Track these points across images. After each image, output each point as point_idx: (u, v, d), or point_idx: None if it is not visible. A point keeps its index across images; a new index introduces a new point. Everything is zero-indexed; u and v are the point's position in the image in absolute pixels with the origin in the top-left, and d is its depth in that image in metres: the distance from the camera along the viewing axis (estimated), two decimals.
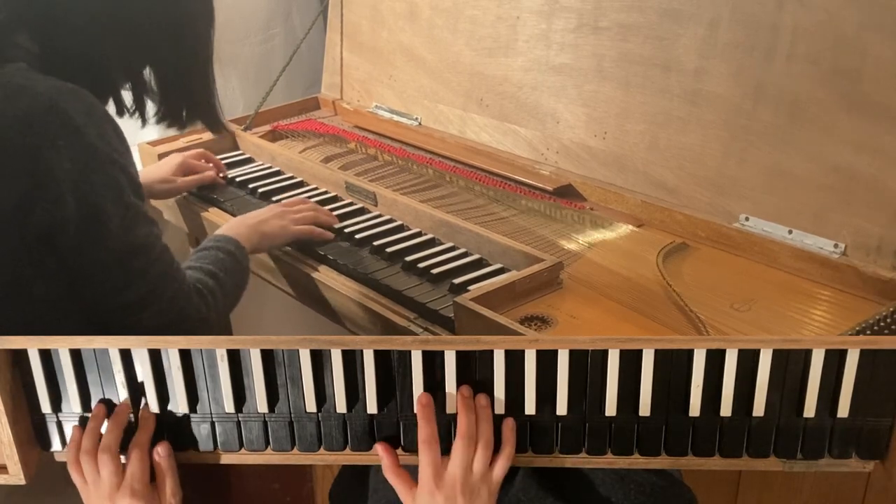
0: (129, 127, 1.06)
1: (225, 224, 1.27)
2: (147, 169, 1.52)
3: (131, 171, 0.97)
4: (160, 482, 0.85)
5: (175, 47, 1.04)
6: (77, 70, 0.95)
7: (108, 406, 0.86)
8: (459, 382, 0.81)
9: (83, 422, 0.86)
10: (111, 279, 0.96)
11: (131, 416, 0.85)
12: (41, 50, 0.95)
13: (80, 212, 0.91)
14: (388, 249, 1.25)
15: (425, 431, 0.80)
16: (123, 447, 0.84)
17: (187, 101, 1.09)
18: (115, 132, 0.96)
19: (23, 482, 0.86)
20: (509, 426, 0.82)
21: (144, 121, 1.07)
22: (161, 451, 0.85)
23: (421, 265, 1.20)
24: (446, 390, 0.81)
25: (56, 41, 0.96)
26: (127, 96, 1.04)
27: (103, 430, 0.85)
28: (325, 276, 1.24)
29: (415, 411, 0.82)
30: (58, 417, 0.86)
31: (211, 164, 1.55)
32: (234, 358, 0.82)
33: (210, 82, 1.10)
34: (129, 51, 1.01)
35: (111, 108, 1.03)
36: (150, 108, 1.06)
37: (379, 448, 0.83)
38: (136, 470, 0.83)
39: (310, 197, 1.44)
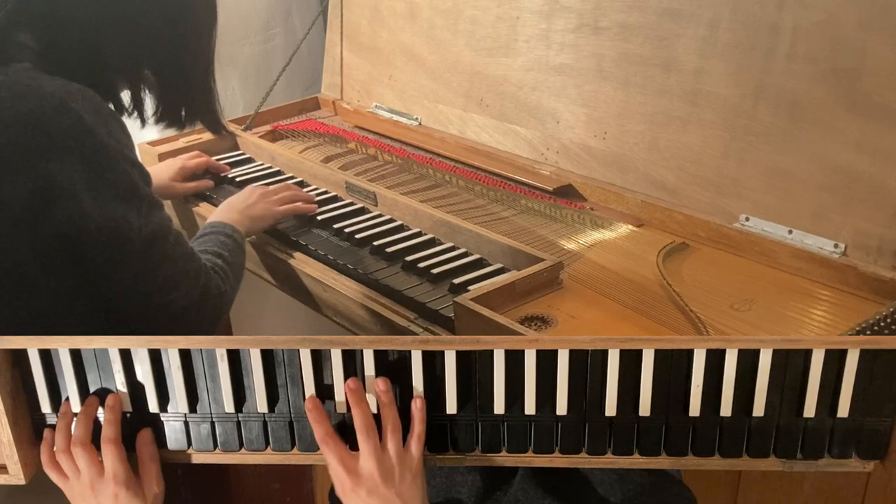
0: (130, 127, 1.06)
1: (215, 211, 1.29)
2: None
3: (139, 163, 0.99)
4: (142, 471, 0.85)
5: (176, 49, 1.04)
6: (77, 69, 0.95)
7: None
8: (459, 382, 0.81)
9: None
10: (138, 268, 0.97)
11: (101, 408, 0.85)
12: (42, 49, 0.95)
13: (98, 211, 0.92)
14: (388, 249, 1.25)
15: (317, 433, 0.80)
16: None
17: (187, 102, 1.09)
18: (122, 128, 0.97)
19: (23, 482, 0.86)
20: (417, 406, 0.81)
21: (143, 121, 1.07)
22: (143, 439, 0.85)
23: (421, 265, 1.20)
24: (446, 391, 0.81)
25: (57, 40, 0.96)
26: (125, 96, 1.04)
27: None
28: (326, 277, 1.24)
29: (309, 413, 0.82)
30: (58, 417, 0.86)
31: (211, 173, 1.57)
32: (234, 358, 0.82)
33: (211, 84, 1.11)
34: (130, 51, 1.01)
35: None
36: (149, 108, 1.06)
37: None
38: (113, 462, 0.83)
39: None
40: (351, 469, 0.79)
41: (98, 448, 0.84)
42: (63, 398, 0.85)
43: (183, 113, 1.09)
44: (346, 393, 0.81)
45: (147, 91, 1.05)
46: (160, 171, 1.51)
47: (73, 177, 0.90)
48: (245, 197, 1.32)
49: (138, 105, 1.05)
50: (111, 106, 1.03)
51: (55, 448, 0.85)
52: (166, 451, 0.87)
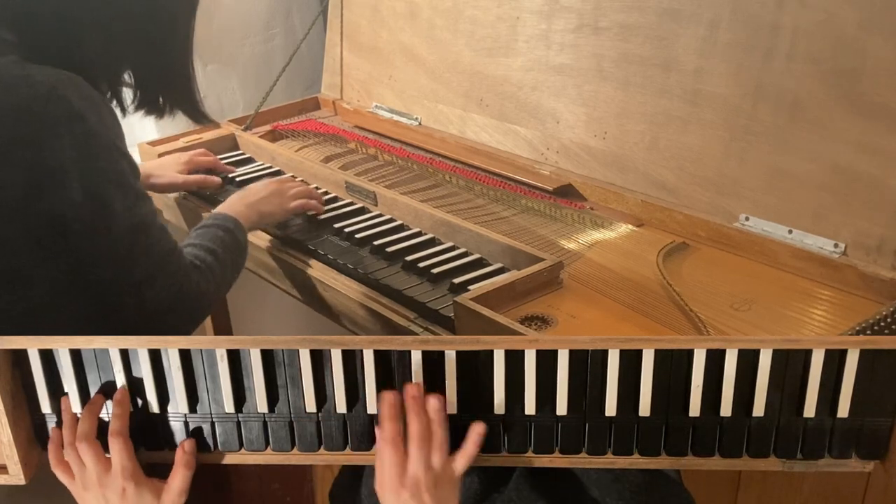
0: (126, 126, 1.06)
1: (224, 202, 1.28)
2: (152, 162, 1.53)
3: (128, 153, 0.98)
4: (172, 475, 0.85)
5: (152, 41, 1.04)
6: (57, 64, 0.96)
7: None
8: (460, 382, 0.81)
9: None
10: (119, 260, 0.97)
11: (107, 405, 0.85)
12: (24, 44, 0.96)
13: (87, 197, 0.92)
14: (388, 249, 1.25)
15: (390, 430, 0.80)
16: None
17: (164, 90, 1.08)
18: (112, 116, 0.97)
19: (23, 482, 0.86)
20: (476, 430, 0.82)
21: (123, 109, 1.07)
22: (185, 447, 0.85)
23: (421, 265, 1.20)
24: (446, 391, 0.81)
25: (37, 36, 0.96)
26: (104, 86, 1.04)
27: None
28: (326, 276, 1.24)
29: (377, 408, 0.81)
30: (58, 417, 0.86)
31: (216, 172, 1.56)
32: (234, 358, 0.82)
33: (189, 72, 1.10)
34: (110, 45, 1.01)
35: None
36: (128, 96, 1.06)
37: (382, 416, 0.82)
38: (121, 456, 0.83)
39: None
40: (402, 472, 0.79)
41: (105, 445, 0.84)
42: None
43: (161, 100, 1.09)
44: (406, 399, 0.80)
45: (126, 80, 1.05)
46: (167, 163, 1.50)
47: (63, 163, 0.90)
48: (257, 190, 1.31)
49: (116, 94, 1.05)
50: None
51: (65, 444, 0.85)
52: (166, 451, 0.87)
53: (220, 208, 1.24)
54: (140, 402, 0.85)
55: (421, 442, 0.79)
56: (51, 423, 0.87)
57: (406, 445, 0.80)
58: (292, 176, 1.55)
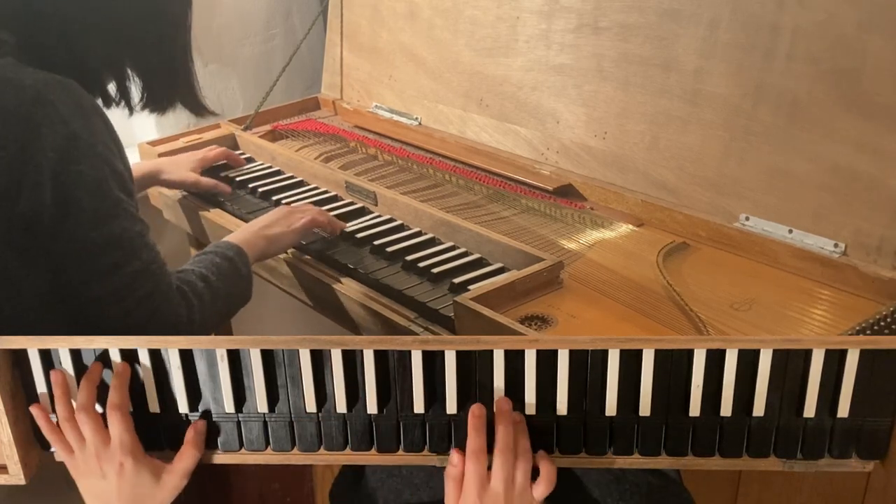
0: (126, 126, 1.06)
1: (233, 232, 1.25)
2: (165, 159, 1.53)
3: (117, 164, 0.96)
4: (179, 455, 0.84)
5: (156, 39, 1.04)
6: (60, 65, 0.96)
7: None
8: (460, 382, 0.81)
9: (43, 398, 0.85)
10: (82, 270, 0.95)
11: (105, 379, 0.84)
12: (23, 46, 0.96)
13: (55, 199, 0.91)
14: (389, 249, 1.25)
15: (475, 443, 0.80)
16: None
17: (169, 87, 1.09)
18: (105, 125, 0.96)
19: (23, 482, 0.86)
20: (542, 454, 0.82)
21: (131, 109, 1.07)
22: (197, 427, 0.85)
23: (421, 265, 1.20)
24: (446, 391, 0.81)
25: (37, 38, 0.97)
26: (112, 88, 1.04)
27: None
28: (326, 276, 1.24)
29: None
30: (56, 417, 0.86)
31: (230, 164, 1.58)
32: (234, 358, 0.82)
33: (189, 65, 1.10)
34: (111, 46, 1.01)
35: (97, 101, 1.03)
36: (135, 96, 1.06)
37: (454, 455, 0.82)
38: (119, 429, 0.82)
39: (310, 197, 1.44)
40: (483, 485, 0.79)
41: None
42: (56, 365, 0.84)
43: (166, 98, 1.09)
44: (496, 413, 0.80)
45: (133, 80, 1.05)
46: (181, 161, 1.50)
47: (40, 164, 0.90)
48: (267, 216, 1.26)
49: (125, 94, 1.05)
50: (99, 98, 1.03)
51: (60, 417, 0.83)
52: (167, 451, 0.87)
53: (226, 237, 1.20)
54: (140, 402, 0.85)
55: (506, 454, 0.79)
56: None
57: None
58: (289, 178, 1.55)
